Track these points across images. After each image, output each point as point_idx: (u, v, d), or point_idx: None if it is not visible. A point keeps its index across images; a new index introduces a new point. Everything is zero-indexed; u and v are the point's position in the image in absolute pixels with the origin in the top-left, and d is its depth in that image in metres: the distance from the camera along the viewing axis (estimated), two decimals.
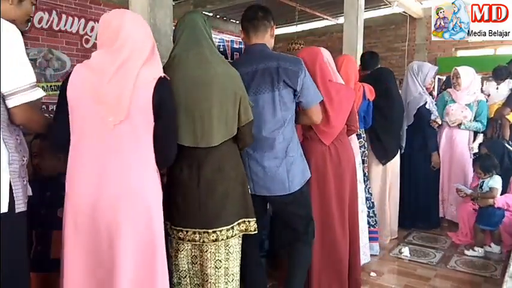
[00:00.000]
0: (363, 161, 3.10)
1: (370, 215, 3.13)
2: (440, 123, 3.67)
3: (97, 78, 1.43)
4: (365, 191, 3.06)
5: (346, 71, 2.74)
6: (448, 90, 3.84)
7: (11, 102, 1.35)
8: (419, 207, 3.75)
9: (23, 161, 1.47)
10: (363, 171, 3.08)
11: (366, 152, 3.16)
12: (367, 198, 3.10)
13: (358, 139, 2.99)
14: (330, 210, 2.25)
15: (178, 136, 1.64)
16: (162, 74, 1.51)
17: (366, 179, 3.11)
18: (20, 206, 1.43)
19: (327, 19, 7.19)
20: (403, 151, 3.56)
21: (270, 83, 1.86)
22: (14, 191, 1.40)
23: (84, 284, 1.46)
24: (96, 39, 1.55)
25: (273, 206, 2.04)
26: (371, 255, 3.06)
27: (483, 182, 3.27)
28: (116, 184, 1.44)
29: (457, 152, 3.72)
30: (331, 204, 2.25)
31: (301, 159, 2.00)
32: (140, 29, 1.52)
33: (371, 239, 3.12)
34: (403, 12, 6.37)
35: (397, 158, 3.43)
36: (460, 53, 6.82)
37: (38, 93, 1.40)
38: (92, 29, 4.92)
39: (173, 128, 1.59)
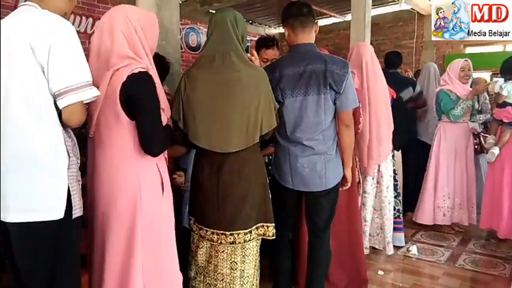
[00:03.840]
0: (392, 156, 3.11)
1: (398, 207, 3.13)
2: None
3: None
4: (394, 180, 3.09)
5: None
6: (447, 88, 3.48)
7: (63, 101, 1.23)
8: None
9: (78, 163, 1.38)
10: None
11: None
12: (394, 188, 3.11)
13: None
14: None
15: (176, 132, 1.70)
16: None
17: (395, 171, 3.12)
18: (77, 211, 1.35)
19: (334, 16, 7.14)
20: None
21: (317, 86, 1.86)
22: (72, 196, 1.31)
23: None
24: None
25: (306, 198, 2.06)
26: (394, 246, 3.02)
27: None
28: (104, 177, 1.50)
29: (470, 146, 3.56)
30: None
31: (337, 158, 2.01)
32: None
33: (398, 230, 3.11)
34: (411, 9, 6.31)
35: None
36: (469, 50, 6.75)
37: (93, 92, 1.28)
38: None
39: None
